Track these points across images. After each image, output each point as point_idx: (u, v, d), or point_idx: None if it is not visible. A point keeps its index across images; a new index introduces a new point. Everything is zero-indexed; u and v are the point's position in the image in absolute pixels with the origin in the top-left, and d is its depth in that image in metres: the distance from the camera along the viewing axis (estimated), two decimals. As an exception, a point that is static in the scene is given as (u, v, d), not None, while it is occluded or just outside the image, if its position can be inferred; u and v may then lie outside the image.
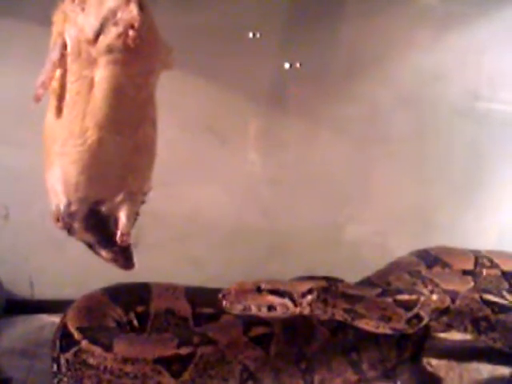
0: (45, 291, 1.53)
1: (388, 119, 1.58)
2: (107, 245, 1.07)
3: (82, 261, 1.45)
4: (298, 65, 1.48)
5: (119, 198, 1.03)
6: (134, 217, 1.04)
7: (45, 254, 1.49)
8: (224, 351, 1.18)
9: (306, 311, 1.18)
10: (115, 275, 1.36)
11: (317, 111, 1.55)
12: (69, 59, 0.99)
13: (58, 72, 1.00)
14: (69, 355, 1.18)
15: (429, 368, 1.31)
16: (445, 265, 1.45)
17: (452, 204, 1.67)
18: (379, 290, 1.23)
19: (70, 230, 1.05)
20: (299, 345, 1.25)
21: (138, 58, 0.98)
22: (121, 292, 1.36)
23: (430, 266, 1.44)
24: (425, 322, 1.21)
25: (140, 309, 1.34)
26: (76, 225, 1.03)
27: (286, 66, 1.47)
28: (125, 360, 1.14)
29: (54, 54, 0.98)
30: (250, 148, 1.55)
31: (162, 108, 1.07)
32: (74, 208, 1.01)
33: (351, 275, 1.38)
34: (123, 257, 1.08)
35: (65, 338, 1.21)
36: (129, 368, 1.14)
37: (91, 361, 1.16)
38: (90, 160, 0.99)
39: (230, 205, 1.56)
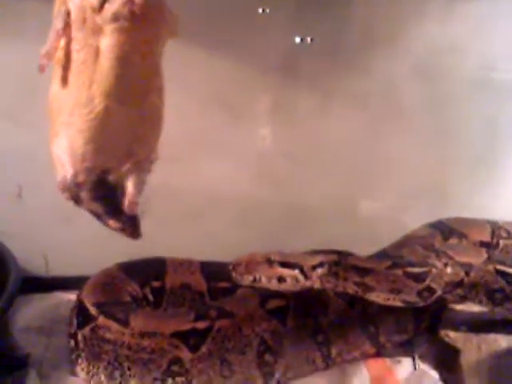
0: (59, 268, 1.52)
1: (403, 93, 1.56)
2: (115, 214, 1.06)
3: (95, 237, 1.45)
4: (308, 40, 1.46)
5: (126, 167, 1.02)
6: (141, 186, 1.03)
7: (58, 231, 1.48)
8: (241, 324, 1.18)
9: (317, 284, 1.18)
10: (129, 251, 1.37)
11: (330, 86, 1.53)
12: (73, 27, 0.97)
13: (63, 41, 0.98)
14: (86, 331, 1.18)
15: (446, 339, 1.29)
16: (461, 235, 1.44)
17: (469, 178, 1.66)
18: (389, 263, 1.21)
19: (77, 200, 1.04)
20: (316, 317, 1.25)
21: (144, 25, 0.97)
22: (136, 267, 1.36)
23: (445, 237, 1.44)
24: (437, 294, 1.20)
25: (155, 284, 1.34)
26: (83, 195, 1.03)
27: (297, 40, 1.45)
28: (142, 334, 1.14)
29: (58, 23, 0.97)
30: (262, 122, 1.53)
31: (175, 83, 1.05)
32: (81, 178, 1.01)
33: (366, 249, 1.39)
34: (130, 226, 1.07)
35: (81, 314, 1.21)
36: (146, 342, 1.14)
37: (108, 336, 1.16)
38: (96, 129, 0.97)
39: (243, 179, 1.55)
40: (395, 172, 1.61)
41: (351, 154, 1.58)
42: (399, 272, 1.19)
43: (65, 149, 1.00)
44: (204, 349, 1.14)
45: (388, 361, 1.31)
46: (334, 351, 1.26)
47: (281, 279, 1.16)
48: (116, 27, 0.95)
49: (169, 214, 1.46)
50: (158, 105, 1.03)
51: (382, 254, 1.38)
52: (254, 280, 1.16)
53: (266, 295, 1.22)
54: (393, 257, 1.34)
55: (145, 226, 1.42)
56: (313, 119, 1.55)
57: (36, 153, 1.40)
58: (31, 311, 1.40)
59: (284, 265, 1.17)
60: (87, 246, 1.49)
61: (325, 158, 1.57)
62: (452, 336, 1.31)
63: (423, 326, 1.36)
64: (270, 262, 1.17)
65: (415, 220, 1.54)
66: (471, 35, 1.56)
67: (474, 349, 1.28)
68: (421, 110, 1.58)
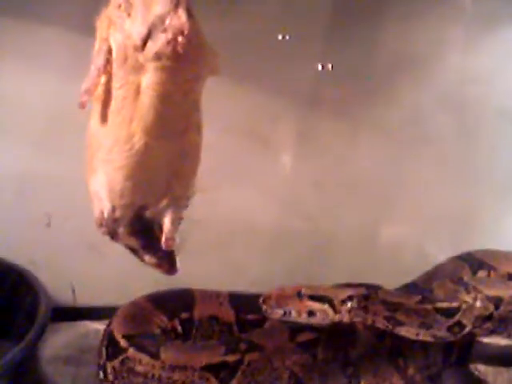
0: (86, 298, 1.53)
1: (429, 121, 1.56)
2: (151, 250, 1.07)
3: (122, 267, 1.46)
4: (330, 66, 1.47)
5: (164, 203, 1.02)
6: (178, 221, 1.04)
7: (86, 261, 1.50)
8: (271, 357, 1.18)
9: (346, 318, 1.18)
10: (156, 282, 1.37)
11: (357, 113, 1.54)
12: (114, 65, 0.97)
13: (103, 78, 0.98)
14: (116, 363, 1.18)
15: (476, 373, 1.29)
16: (490, 268, 1.44)
17: (494, 206, 1.66)
18: (419, 297, 1.21)
19: (113, 236, 1.04)
20: (345, 350, 1.24)
21: (185, 64, 0.97)
22: (164, 299, 1.36)
23: (474, 270, 1.43)
24: (468, 329, 1.20)
25: (184, 315, 1.34)
26: (120, 230, 1.03)
27: (319, 67, 1.46)
28: (173, 368, 1.14)
29: (99, 60, 0.97)
30: (290, 152, 1.54)
31: (206, 113, 1.07)
32: (118, 213, 1.01)
33: (392, 278, 1.38)
34: (167, 262, 1.08)
35: (111, 346, 1.21)
36: (177, 376, 1.14)
37: (139, 368, 1.16)
38: (135, 166, 0.98)
39: (271, 209, 1.55)
40: (422, 200, 1.62)
41: (379, 182, 1.59)
42: (429, 307, 1.19)
43: (103, 185, 1.00)
44: (234, 382, 1.15)
45: (417, 394, 1.29)
46: (363, 383, 1.24)
47: (311, 313, 1.16)
48: (158, 65, 0.95)
49: (196, 245, 1.45)
50: (196, 141, 1.04)
51: (411, 286, 1.38)
52: (285, 314, 1.16)
53: (296, 328, 1.21)
54: (422, 291, 1.33)
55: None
56: (340, 148, 1.57)
57: (65, 181, 1.43)
58: (58, 340, 1.40)
59: (314, 298, 1.17)
60: (114, 276, 1.51)
61: (352, 186, 1.58)
62: (482, 370, 1.30)
63: (452, 360, 1.34)
64: (300, 295, 1.17)
65: (442, 249, 1.56)
66: (497, 65, 1.58)
67: (505, 383, 1.27)
68: (447, 138, 1.59)
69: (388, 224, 1.62)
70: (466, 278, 1.35)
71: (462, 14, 1.52)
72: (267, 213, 1.55)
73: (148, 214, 1.03)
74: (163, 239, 1.03)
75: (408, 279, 1.42)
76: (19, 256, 1.37)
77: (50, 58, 1.40)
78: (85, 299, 1.53)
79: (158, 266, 1.08)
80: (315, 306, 1.16)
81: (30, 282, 1.31)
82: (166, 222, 1.03)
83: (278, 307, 1.16)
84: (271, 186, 1.55)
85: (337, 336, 1.23)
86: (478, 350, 1.34)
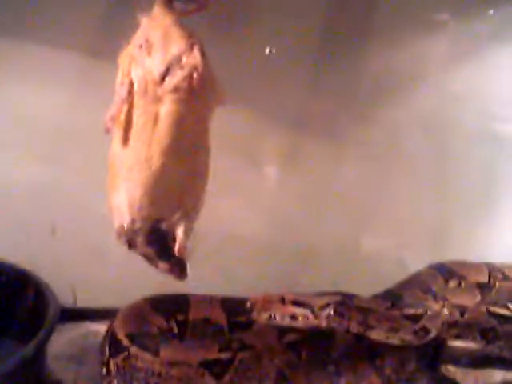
0: (87, 300, 1.62)
1: (408, 139, 1.67)
2: (165, 257, 1.18)
3: (121, 272, 1.56)
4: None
5: (177, 216, 1.15)
6: (189, 232, 1.17)
7: (86, 265, 1.58)
8: (260, 356, 1.28)
9: (324, 324, 1.29)
10: (153, 285, 1.47)
11: (341, 131, 1.65)
12: (136, 96, 1.12)
13: (125, 107, 1.12)
14: (118, 360, 1.28)
15: (446, 373, 1.40)
16: (460, 277, 1.55)
17: (468, 221, 1.76)
18: (389, 304, 1.33)
19: (131, 245, 1.17)
20: (327, 350, 1.34)
21: (198, 96, 1.12)
22: (162, 302, 1.46)
23: (446, 279, 1.55)
24: (432, 334, 1.31)
25: (180, 317, 1.44)
26: (138, 240, 1.15)
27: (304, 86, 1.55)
28: (171, 364, 1.24)
29: (123, 92, 1.12)
30: (277, 167, 1.64)
31: None
32: (137, 225, 1.13)
33: (373, 288, 1.50)
34: (179, 268, 1.20)
35: (114, 344, 1.31)
36: (175, 371, 1.24)
37: (140, 365, 1.25)
38: (153, 183, 1.11)
39: (258, 221, 1.64)
40: (400, 215, 1.71)
41: (359, 197, 1.68)
42: (397, 313, 1.30)
43: (124, 200, 1.13)
44: (227, 378, 1.24)
45: (393, 393, 1.40)
46: (343, 382, 1.35)
47: (293, 317, 1.27)
48: (175, 97, 1.10)
49: (190, 251, 1.54)
50: (205, 162, 1.18)
51: (387, 293, 1.49)
52: (270, 317, 1.26)
53: (284, 330, 1.31)
54: (393, 298, 1.44)
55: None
56: (324, 165, 1.66)
57: (70, 192, 1.52)
58: (61, 340, 1.48)
59: (296, 304, 1.28)
60: (114, 279, 1.59)
61: (336, 200, 1.67)
62: (452, 370, 1.41)
63: (425, 361, 1.44)
64: (283, 301, 1.27)
65: (418, 259, 1.64)
66: (477, 85, 1.68)
67: (472, 382, 1.39)
68: (424, 156, 1.69)
69: (369, 236, 1.72)
70: (435, 288, 1.47)
71: (443, 36, 1.62)
72: (255, 224, 1.64)
73: (163, 225, 1.16)
74: (176, 248, 1.16)
75: (387, 288, 1.51)
76: (25, 260, 1.45)
77: (58, 77, 1.49)
78: (85, 301, 1.62)
79: (171, 271, 1.20)
80: (297, 310, 1.27)
81: (38, 285, 1.39)
82: (179, 232, 1.16)
83: (263, 311, 1.27)
84: (259, 199, 1.64)
85: (319, 337, 1.34)
86: (447, 353, 1.45)
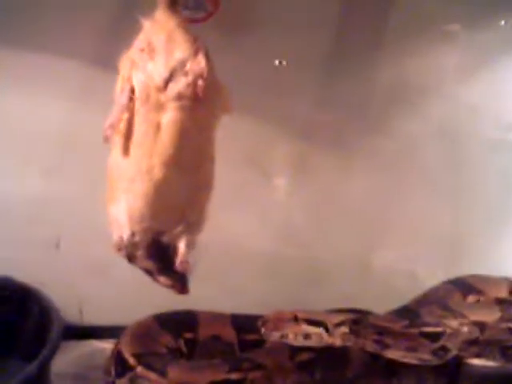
0: (93, 317, 1.58)
1: (422, 150, 1.62)
2: (166, 271, 1.14)
3: (128, 288, 1.52)
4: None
5: (179, 228, 1.10)
6: (191, 246, 1.12)
7: (92, 282, 1.54)
8: (272, 376, 1.24)
9: (338, 342, 1.24)
10: (161, 302, 1.42)
11: (352, 142, 1.60)
12: (137, 103, 1.06)
13: (125, 115, 1.07)
14: (124, 380, 1.24)
15: (465, 394, 1.35)
16: (479, 293, 1.50)
17: (485, 233, 1.71)
18: (406, 322, 1.27)
19: (131, 258, 1.11)
20: (342, 370, 1.30)
21: (203, 103, 1.07)
22: (170, 319, 1.41)
23: (464, 294, 1.49)
24: (452, 353, 1.26)
25: (188, 335, 1.39)
26: (138, 253, 1.10)
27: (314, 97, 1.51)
28: (179, 385, 1.19)
29: (123, 98, 1.06)
30: (286, 178, 1.59)
31: None
32: (137, 238, 1.08)
33: (385, 303, 1.43)
34: (180, 282, 1.15)
35: (120, 364, 1.27)
36: (183, 392, 1.19)
37: (147, 386, 1.21)
38: (154, 195, 1.06)
39: (267, 235, 1.60)
40: (413, 227, 1.67)
41: (371, 210, 1.64)
42: (415, 331, 1.25)
43: (123, 212, 1.07)
44: (237, 399, 1.19)
45: (409, 413, 1.35)
46: (358, 402, 1.30)
47: (307, 336, 1.23)
48: (178, 105, 1.05)
49: (198, 269, 1.50)
50: (210, 173, 1.13)
51: (403, 310, 1.42)
52: (282, 336, 1.22)
53: (296, 348, 1.26)
54: (411, 315, 1.38)
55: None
56: (336, 178, 1.62)
57: (73, 206, 1.48)
58: (66, 358, 1.43)
59: (310, 322, 1.23)
60: (120, 296, 1.55)
61: (347, 213, 1.63)
62: (471, 390, 1.35)
63: (443, 380, 1.40)
64: (296, 319, 1.23)
65: (434, 274, 1.60)
66: (491, 96, 1.63)
67: (492, 403, 1.33)
68: (440, 167, 1.64)
69: (381, 250, 1.67)
70: (452, 304, 1.41)
71: (457, 45, 1.58)
72: (264, 239, 1.60)
73: (164, 238, 1.11)
74: (178, 262, 1.11)
75: (400, 304, 1.46)
76: (28, 276, 1.41)
77: (59, 86, 1.45)
78: (92, 318, 1.58)
79: (172, 286, 1.15)
80: (311, 329, 1.23)
81: (42, 302, 1.35)
82: (181, 246, 1.11)
83: (275, 330, 1.22)
84: (267, 212, 1.60)
85: (333, 356, 1.29)
86: (466, 372, 1.39)
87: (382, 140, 1.61)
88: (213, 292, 1.57)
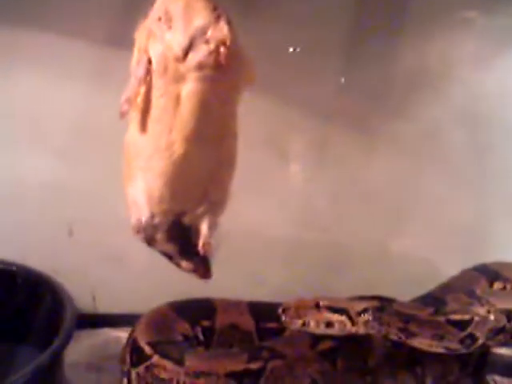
0: (107, 305, 1.55)
1: (443, 136, 1.58)
2: (188, 255, 1.08)
3: (143, 276, 1.49)
4: (342, 80, 1.48)
5: (201, 209, 1.04)
6: (214, 227, 1.06)
7: (106, 269, 1.51)
8: (293, 365, 1.20)
9: (362, 330, 1.20)
10: (177, 289, 1.40)
11: (374, 128, 1.56)
12: (154, 75, 0.99)
13: (143, 88, 1.00)
14: (140, 369, 1.20)
15: (491, 383, 1.30)
16: (505, 280, 1.46)
17: (506, 220, 1.67)
18: (432, 309, 1.23)
19: (150, 242, 1.06)
20: (364, 358, 1.26)
21: (226, 74, 1.00)
22: (186, 307, 1.37)
23: (490, 282, 1.46)
24: (480, 342, 1.21)
25: (205, 323, 1.36)
26: (158, 236, 1.05)
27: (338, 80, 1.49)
28: (197, 374, 1.16)
29: (140, 71, 0.99)
30: (307, 162, 1.56)
31: None
32: (157, 220, 1.03)
33: (405, 290, 1.40)
34: (203, 266, 1.10)
35: (135, 353, 1.23)
36: (201, 382, 1.15)
37: (163, 375, 1.17)
38: (174, 173, 1.00)
39: (287, 220, 1.56)
40: (436, 213, 1.63)
41: (393, 195, 1.60)
42: (442, 319, 1.21)
43: (142, 191, 1.02)
44: (257, 389, 1.15)
45: (434, 403, 1.31)
46: (381, 392, 1.26)
47: (329, 324, 1.18)
48: (199, 75, 0.97)
49: (216, 255, 1.47)
50: (233, 148, 1.07)
51: (427, 298, 1.39)
52: (304, 324, 1.18)
53: (317, 337, 1.23)
54: (437, 302, 1.34)
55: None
56: (356, 160, 1.58)
57: (87, 191, 1.45)
58: (80, 347, 1.41)
59: (332, 310, 1.19)
60: (135, 284, 1.52)
61: (368, 199, 1.59)
62: (498, 380, 1.31)
63: (469, 370, 1.36)
64: (318, 307, 1.19)
65: (455, 261, 1.55)
66: (510, 81, 1.59)
67: (520, 393, 1.28)
68: (461, 152, 1.60)
69: (402, 236, 1.63)
70: (478, 291, 1.36)
71: (477, 30, 1.54)
72: (285, 224, 1.56)
73: (185, 219, 1.05)
74: (200, 244, 1.06)
75: (421, 291, 1.43)
76: (41, 263, 1.38)
77: (75, 70, 1.41)
78: (106, 306, 1.55)
79: (194, 270, 1.10)
80: (333, 317, 1.18)
81: (55, 290, 1.32)
82: (203, 227, 1.05)
83: (296, 318, 1.18)
84: (287, 196, 1.56)
85: (356, 345, 1.25)
86: (493, 361, 1.35)
87: (404, 125, 1.57)
88: (231, 279, 1.51)
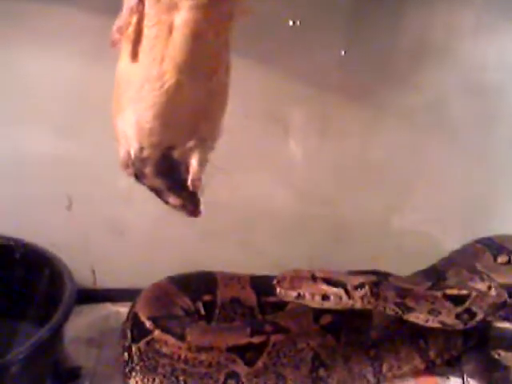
0: (106, 280, 1.53)
1: (452, 107, 1.54)
2: (177, 190, 1.05)
3: (143, 249, 1.47)
4: (342, 52, 1.46)
5: (191, 143, 1.01)
6: (204, 163, 1.02)
7: (106, 242, 1.50)
8: (296, 339, 1.19)
9: (358, 304, 1.19)
10: (177, 263, 1.41)
11: (380, 98, 1.52)
12: (146, 4, 0.95)
13: (134, 18, 0.97)
14: (141, 344, 1.19)
15: (496, 357, 1.30)
16: (509, 253, 1.45)
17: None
18: (429, 284, 1.23)
19: (139, 176, 1.03)
20: (367, 332, 1.26)
21: (220, 3, 0.96)
22: (187, 281, 1.36)
23: (494, 255, 1.44)
24: (479, 317, 1.21)
25: (207, 298, 1.35)
26: (147, 170, 1.02)
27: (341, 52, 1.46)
28: (199, 349, 1.15)
29: (132, 0, 0.95)
30: (310, 135, 1.52)
31: None
32: (146, 153, 1.00)
33: (408, 264, 1.40)
34: (191, 203, 1.06)
35: (136, 328, 1.22)
36: (203, 357, 1.15)
37: (164, 350, 1.16)
38: (165, 104, 0.96)
39: (289, 192, 1.54)
40: (440, 186, 1.60)
41: (398, 169, 1.57)
42: (438, 294, 1.20)
43: (131, 123, 0.98)
44: (260, 363, 1.15)
45: (437, 377, 1.31)
46: (385, 366, 1.27)
47: (324, 297, 1.17)
48: (193, 4, 0.93)
49: (216, 228, 1.46)
50: (225, 81, 1.02)
51: (430, 271, 1.39)
52: (298, 296, 1.17)
53: (320, 310, 1.22)
54: (436, 275, 1.34)
55: (191, 239, 1.45)
56: (361, 134, 1.54)
57: (86, 163, 1.43)
58: (80, 322, 1.40)
59: (328, 282, 1.18)
60: (135, 258, 1.50)
61: (371, 171, 1.56)
62: (502, 354, 1.30)
63: (472, 343, 1.36)
64: (314, 278, 1.17)
65: (460, 234, 1.55)
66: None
67: (523, 366, 1.27)
68: (469, 124, 1.56)
69: (404, 209, 1.61)
70: (480, 266, 1.36)
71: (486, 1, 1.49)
72: (286, 197, 1.54)
73: (175, 154, 1.01)
74: (190, 179, 1.02)
75: (422, 265, 1.42)
76: (40, 238, 1.36)
77: (73, 41, 1.38)
78: (105, 281, 1.53)
79: (183, 207, 1.06)
80: (329, 289, 1.17)
81: (54, 264, 1.30)
82: (193, 162, 1.01)
83: (291, 289, 1.17)
84: (290, 169, 1.53)
85: (359, 319, 1.25)
86: (495, 335, 1.35)
87: (408, 97, 1.52)
88: (232, 252, 1.53)
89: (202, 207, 1.07)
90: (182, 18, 0.94)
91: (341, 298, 1.17)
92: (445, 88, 1.51)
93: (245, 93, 1.39)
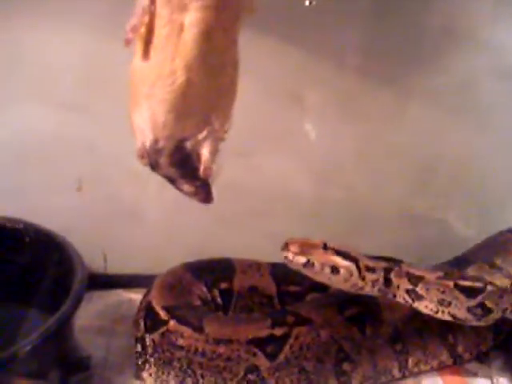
0: (119, 265, 1.48)
1: (480, 90, 1.48)
2: (190, 179, 1.09)
3: (156, 234, 1.42)
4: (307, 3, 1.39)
5: (202, 135, 1.06)
6: (215, 152, 1.08)
7: (118, 225, 1.44)
8: (319, 331, 1.13)
9: (368, 288, 1.13)
10: (192, 248, 1.37)
11: (405, 82, 1.47)
12: (158, 4, 1.00)
13: (146, 17, 1.02)
14: (155, 336, 1.14)
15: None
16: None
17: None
18: (442, 273, 1.16)
19: (154, 166, 1.08)
20: (394, 325, 1.20)
21: (228, 2, 1.01)
22: (203, 268, 1.30)
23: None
24: (494, 314, 1.14)
25: (224, 286, 1.29)
26: (162, 160, 1.07)
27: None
28: (217, 341, 1.10)
29: (144, 0, 1.00)
30: (332, 117, 1.47)
31: (246, 74, 1.07)
32: (160, 144, 1.05)
33: (430, 251, 1.40)
34: (204, 191, 1.10)
35: (150, 318, 1.17)
36: (222, 349, 1.09)
37: (181, 342, 1.11)
38: (177, 99, 1.01)
39: (309, 176, 1.49)
40: (468, 173, 1.55)
41: (421, 153, 1.52)
42: (450, 283, 1.13)
43: (146, 118, 1.04)
44: (282, 357, 1.10)
45: (464, 373, 1.26)
46: (411, 361, 1.21)
47: (334, 269, 1.10)
48: (202, 4, 0.98)
49: (233, 212, 1.41)
50: (233, 76, 1.07)
51: (455, 260, 1.35)
52: (307, 263, 1.10)
53: (344, 301, 1.17)
54: (458, 263, 1.31)
55: (207, 223, 1.39)
56: (383, 117, 1.49)
57: (97, 145, 1.38)
58: (90, 310, 1.35)
59: (340, 254, 1.11)
60: (148, 243, 1.45)
61: (393, 156, 1.51)
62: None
63: (501, 338, 1.30)
64: (325, 247, 1.11)
65: (482, 223, 1.52)
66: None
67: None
68: (498, 108, 1.51)
69: (427, 196, 1.56)
70: (499, 262, 1.30)
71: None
72: (304, 181, 1.49)
73: (188, 145, 1.07)
74: (201, 168, 1.07)
75: (444, 255, 1.37)
76: (49, 222, 1.31)
77: (81, 19, 1.34)
78: (117, 267, 1.48)
79: (195, 194, 1.10)
80: (341, 262, 1.11)
81: (65, 249, 1.25)
82: (205, 152, 1.07)
83: (300, 254, 1.10)
84: (309, 153, 1.48)
85: (385, 311, 1.19)
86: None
87: (438, 76, 1.47)
88: (250, 238, 1.48)
89: (213, 194, 1.10)
90: (192, 18, 0.99)
91: (351, 275, 1.11)
92: (472, 71, 1.46)
93: (265, 70, 1.35)
